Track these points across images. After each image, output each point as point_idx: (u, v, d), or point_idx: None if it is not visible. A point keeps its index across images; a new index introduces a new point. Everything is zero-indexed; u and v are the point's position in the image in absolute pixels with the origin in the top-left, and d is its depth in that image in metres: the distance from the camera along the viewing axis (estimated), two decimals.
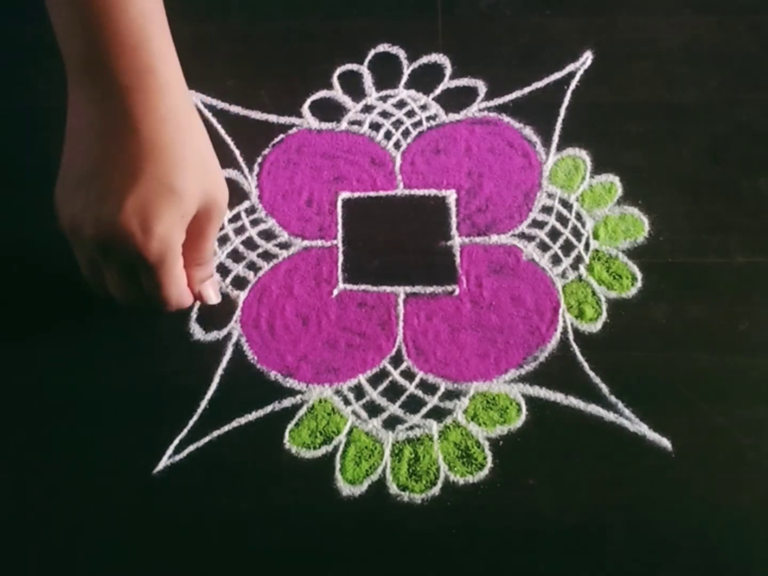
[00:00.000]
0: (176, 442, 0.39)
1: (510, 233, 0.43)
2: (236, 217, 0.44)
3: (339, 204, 0.44)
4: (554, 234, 0.43)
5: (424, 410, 0.40)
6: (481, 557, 0.37)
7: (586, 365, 0.40)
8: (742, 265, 0.42)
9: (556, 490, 0.38)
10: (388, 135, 0.46)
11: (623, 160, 0.44)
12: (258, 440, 0.39)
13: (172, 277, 0.36)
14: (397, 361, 0.41)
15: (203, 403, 0.40)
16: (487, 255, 0.43)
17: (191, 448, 0.39)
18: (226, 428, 0.39)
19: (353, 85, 0.47)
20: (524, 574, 0.37)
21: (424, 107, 0.46)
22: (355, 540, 0.37)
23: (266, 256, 0.43)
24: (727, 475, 0.38)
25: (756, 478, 0.38)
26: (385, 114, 0.46)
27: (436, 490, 0.38)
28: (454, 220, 0.43)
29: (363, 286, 0.42)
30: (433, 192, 0.44)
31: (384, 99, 0.47)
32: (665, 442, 0.38)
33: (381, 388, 0.40)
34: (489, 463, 0.38)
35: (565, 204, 0.44)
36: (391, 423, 0.40)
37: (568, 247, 0.43)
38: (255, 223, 0.44)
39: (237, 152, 0.45)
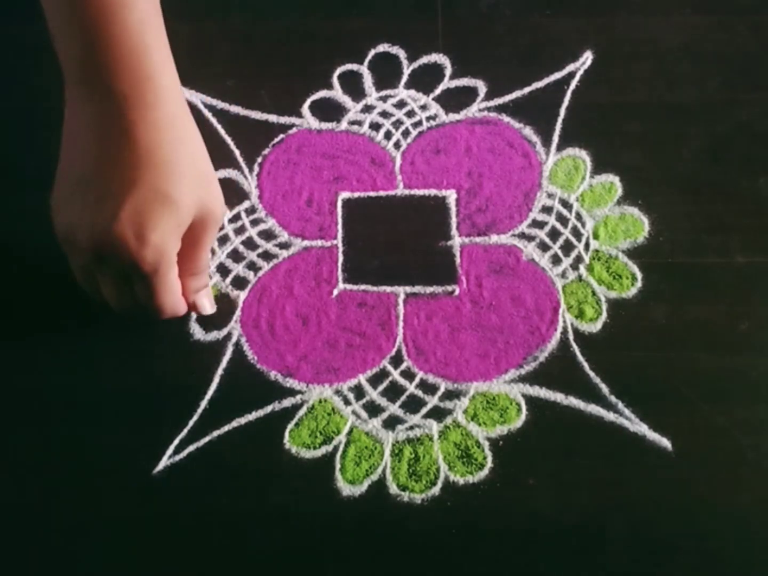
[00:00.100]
0: (176, 442, 0.39)
1: (510, 233, 0.43)
2: (236, 217, 0.44)
3: (339, 204, 0.44)
4: (554, 234, 0.43)
5: (424, 410, 0.40)
6: (481, 557, 0.37)
7: (586, 365, 0.40)
8: (742, 265, 0.42)
9: (556, 490, 0.38)
10: (388, 135, 0.46)
11: (623, 160, 0.44)
12: (258, 440, 0.39)
13: (167, 285, 0.36)
14: (397, 361, 0.41)
15: (203, 403, 0.40)
16: (487, 255, 0.43)
17: (191, 448, 0.39)
18: (226, 428, 0.39)
19: (353, 85, 0.47)
20: (524, 574, 0.37)
21: (424, 107, 0.46)
22: (355, 540, 0.37)
23: (266, 256, 0.43)
24: (727, 475, 0.38)
25: (756, 478, 0.38)
26: (385, 114, 0.46)
27: (436, 490, 0.38)
28: (454, 220, 0.43)
29: (363, 286, 0.42)
30: (433, 192, 0.44)
31: (384, 99, 0.47)
32: (665, 442, 0.38)
33: (381, 388, 0.40)
34: (489, 463, 0.38)
35: (565, 204, 0.44)
36: (391, 423, 0.40)
37: (568, 247, 0.43)
38: (255, 223, 0.44)
39: (237, 152, 0.45)
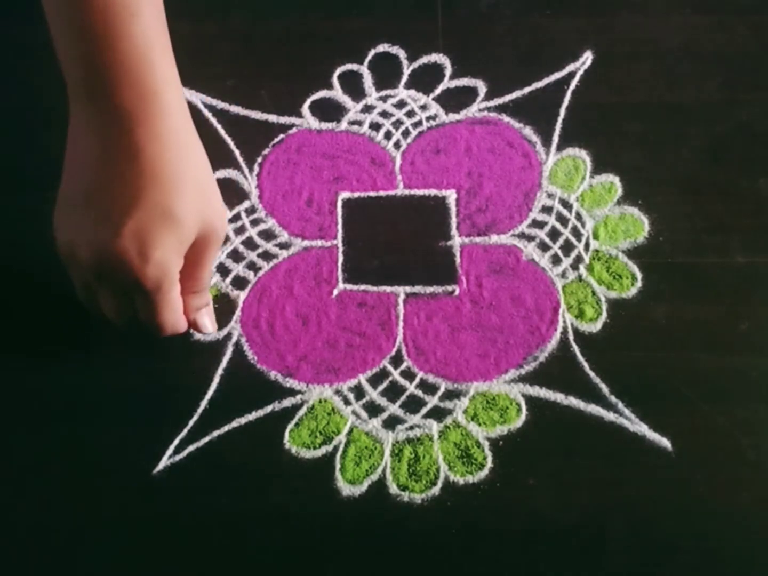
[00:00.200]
0: (176, 442, 0.39)
1: (510, 233, 0.43)
2: (236, 217, 0.44)
3: (339, 204, 0.44)
4: (554, 234, 0.43)
5: (424, 410, 0.40)
6: (481, 557, 0.37)
7: (586, 365, 0.40)
8: (742, 265, 0.42)
9: (556, 490, 0.38)
10: (388, 135, 0.46)
11: (623, 160, 0.44)
12: (258, 440, 0.39)
13: (169, 303, 0.35)
14: (397, 361, 0.41)
15: (203, 403, 0.40)
16: (487, 255, 0.43)
17: (191, 448, 0.39)
18: (226, 428, 0.39)
19: (353, 85, 0.47)
20: (524, 574, 0.37)
21: (424, 107, 0.46)
22: (355, 540, 0.37)
23: (266, 256, 0.43)
24: (727, 475, 0.38)
25: (756, 478, 0.38)
26: (385, 114, 0.46)
27: (436, 490, 0.38)
28: (454, 220, 0.43)
29: (363, 286, 0.42)
30: (433, 192, 0.44)
31: (384, 99, 0.47)
32: (665, 442, 0.38)
33: (381, 388, 0.40)
34: (489, 463, 0.38)
35: (565, 204, 0.44)
36: (391, 423, 0.40)
37: (568, 247, 0.43)
38: (255, 223, 0.44)
39: (237, 152, 0.45)
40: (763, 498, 0.37)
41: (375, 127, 0.46)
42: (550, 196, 0.44)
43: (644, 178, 0.44)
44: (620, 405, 0.39)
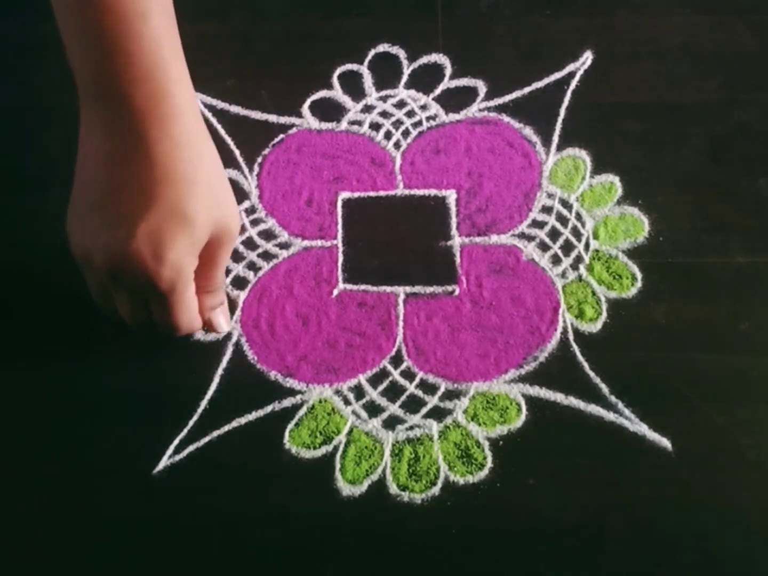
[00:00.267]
0: (176, 442, 0.39)
1: (510, 233, 0.43)
2: None
3: (339, 204, 0.44)
4: (554, 234, 0.43)
5: (424, 410, 0.40)
6: (481, 557, 0.37)
7: (586, 365, 0.40)
8: (742, 265, 0.42)
9: (556, 490, 0.38)
10: (388, 135, 0.46)
11: (623, 160, 0.44)
12: (258, 440, 0.39)
13: (184, 303, 0.35)
14: (397, 361, 0.41)
15: (203, 403, 0.40)
16: (487, 255, 0.43)
17: (191, 448, 0.39)
18: (226, 428, 0.39)
19: (353, 85, 0.47)
20: (524, 574, 0.37)
21: (424, 107, 0.46)
22: (355, 540, 0.37)
23: (266, 256, 0.43)
24: (727, 475, 0.38)
25: (756, 478, 0.38)
26: (385, 114, 0.46)
27: (436, 490, 0.38)
28: (454, 220, 0.43)
29: (363, 286, 0.42)
30: (433, 192, 0.44)
31: (384, 99, 0.47)
32: (665, 442, 0.38)
33: (381, 388, 0.40)
34: (489, 463, 0.38)
35: (565, 204, 0.44)
36: (391, 423, 0.40)
37: (568, 247, 0.43)
38: (255, 223, 0.44)
39: (237, 152, 0.45)
40: (763, 498, 0.37)
41: (375, 127, 0.46)
42: (550, 196, 0.44)
43: (644, 178, 0.44)
44: (620, 405, 0.39)
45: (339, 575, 0.37)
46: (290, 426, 0.39)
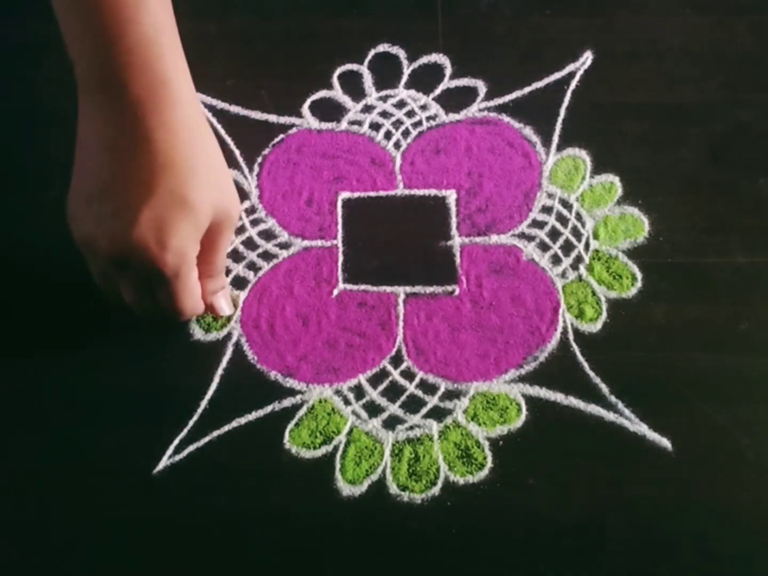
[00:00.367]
0: (176, 442, 0.39)
1: (510, 233, 0.43)
2: None
3: (339, 204, 0.44)
4: (554, 234, 0.43)
5: (424, 410, 0.40)
6: (481, 557, 0.37)
7: (586, 365, 0.40)
8: (742, 265, 0.42)
9: (556, 490, 0.38)
10: (388, 135, 0.46)
11: (623, 160, 0.44)
12: (258, 440, 0.39)
13: (187, 288, 0.36)
14: (397, 361, 0.41)
15: (203, 403, 0.40)
16: (487, 255, 0.43)
17: (191, 448, 0.39)
18: (226, 428, 0.39)
19: (353, 85, 0.47)
20: (524, 574, 0.37)
21: (424, 107, 0.46)
22: (355, 540, 0.37)
23: (266, 256, 0.43)
24: (727, 475, 0.38)
25: (756, 478, 0.38)
26: (385, 114, 0.46)
27: (436, 490, 0.38)
28: (454, 220, 0.43)
29: (363, 286, 0.42)
30: (433, 192, 0.44)
31: (384, 99, 0.47)
32: (665, 442, 0.38)
33: (381, 388, 0.40)
34: (489, 463, 0.38)
35: (565, 204, 0.44)
36: (391, 423, 0.40)
37: (568, 247, 0.43)
38: (255, 223, 0.44)
39: (237, 152, 0.45)
40: (763, 498, 0.37)
41: (375, 127, 0.46)
42: (550, 196, 0.44)
43: (644, 178, 0.44)
44: (620, 405, 0.39)
45: (339, 575, 0.37)
46: (290, 426, 0.39)
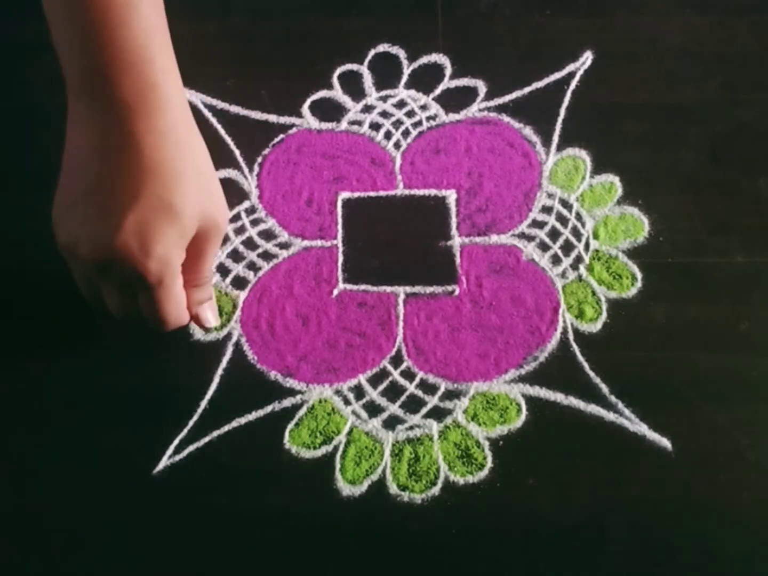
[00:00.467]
0: (176, 442, 0.39)
1: (510, 233, 0.43)
2: (236, 217, 0.44)
3: (339, 204, 0.44)
4: (554, 234, 0.43)
5: (424, 410, 0.40)
6: (481, 557, 0.37)
7: (586, 365, 0.40)
8: (742, 265, 0.42)
9: (556, 490, 0.38)
10: (388, 135, 0.46)
11: (623, 160, 0.44)
12: (258, 440, 0.39)
13: (171, 297, 0.35)
14: (397, 361, 0.41)
15: (203, 403, 0.40)
16: (487, 255, 0.43)
17: (191, 448, 0.39)
18: (226, 428, 0.39)
19: (353, 85, 0.47)
20: (524, 574, 0.37)
21: (424, 107, 0.46)
22: (355, 540, 0.37)
23: (266, 256, 0.43)
24: (727, 475, 0.38)
25: (756, 478, 0.38)
26: (385, 114, 0.46)
27: (436, 490, 0.38)
28: (454, 220, 0.43)
29: (363, 286, 0.42)
30: (433, 192, 0.44)
31: (384, 99, 0.47)
32: (665, 442, 0.38)
33: (381, 388, 0.40)
34: (489, 463, 0.38)
35: (565, 204, 0.44)
36: (391, 423, 0.40)
37: (568, 247, 0.43)
38: (255, 223, 0.44)
39: (237, 152, 0.45)
40: (763, 498, 0.37)
41: (375, 127, 0.46)
42: (550, 196, 0.44)
43: (644, 178, 0.44)
44: (620, 405, 0.39)
45: (339, 575, 0.37)
46: (290, 426, 0.39)
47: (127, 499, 0.38)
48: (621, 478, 0.38)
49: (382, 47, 0.48)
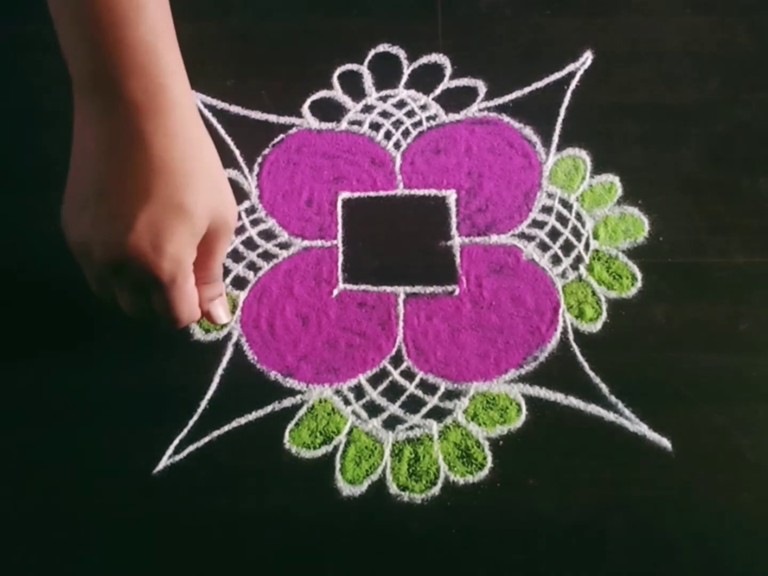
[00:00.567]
0: (176, 442, 0.39)
1: (510, 233, 0.43)
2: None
3: (339, 204, 0.44)
4: (554, 234, 0.43)
5: (424, 410, 0.40)
6: (481, 557, 0.37)
7: (586, 365, 0.40)
8: (742, 265, 0.42)
9: (556, 490, 0.38)
10: (388, 135, 0.46)
11: (623, 160, 0.44)
12: (258, 440, 0.39)
13: (184, 295, 0.35)
14: (397, 361, 0.41)
15: (203, 403, 0.40)
16: (487, 255, 0.43)
17: (191, 448, 0.39)
18: (226, 428, 0.39)
19: (353, 85, 0.47)
20: (524, 574, 0.37)
21: (424, 107, 0.46)
22: (355, 540, 0.37)
23: (266, 256, 0.43)
24: (727, 475, 0.38)
25: (756, 478, 0.38)
26: (385, 114, 0.46)
27: (436, 490, 0.38)
28: (454, 220, 0.43)
29: (363, 286, 0.42)
30: (433, 192, 0.44)
31: (384, 99, 0.47)
32: (665, 442, 0.38)
33: (381, 388, 0.40)
34: (489, 463, 0.38)
35: (565, 204, 0.44)
36: (391, 423, 0.40)
37: (568, 247, 0.43)
38: (255, 223, 0.44)
39: (237, 152, 0.45)
40: (763, 498, 0.37)
41: (375, 127, 0.46)
42: (550, 196, 0.44)
43: (644, 178, 0.44)
44: (620, 405, 0.39)
45: (339, 575, 0.37)
46: (290, 426, 0.39)
47: (127, 499, 0.38)
48: (621, 478, 0.38)
49: (382, 47, 0.48)
